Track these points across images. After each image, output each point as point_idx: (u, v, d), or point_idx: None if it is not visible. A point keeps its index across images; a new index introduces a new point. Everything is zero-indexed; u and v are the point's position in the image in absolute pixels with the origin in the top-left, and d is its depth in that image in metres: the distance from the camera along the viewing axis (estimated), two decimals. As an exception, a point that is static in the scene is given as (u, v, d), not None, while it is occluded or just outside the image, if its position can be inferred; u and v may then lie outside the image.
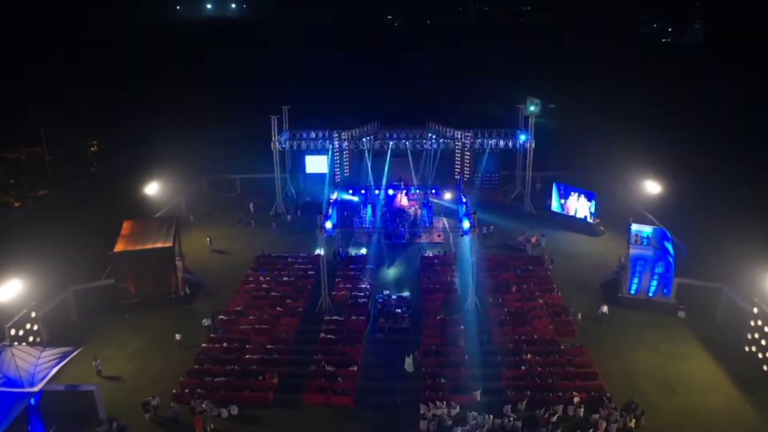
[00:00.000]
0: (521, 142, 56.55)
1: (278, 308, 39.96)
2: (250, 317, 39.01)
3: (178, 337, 36.56)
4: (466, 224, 40.26)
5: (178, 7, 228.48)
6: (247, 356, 34.75)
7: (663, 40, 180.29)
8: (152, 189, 51.98)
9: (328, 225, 41.02)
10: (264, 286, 43.39)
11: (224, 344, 36.03)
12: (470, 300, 40.25)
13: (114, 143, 73.48)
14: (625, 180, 56.07)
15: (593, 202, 52.03)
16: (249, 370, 33.45)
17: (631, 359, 35.04)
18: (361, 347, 35.74)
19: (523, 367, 33.26)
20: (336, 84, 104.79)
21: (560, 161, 63.27)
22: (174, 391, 31.74)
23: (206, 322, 38.23)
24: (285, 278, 44.41)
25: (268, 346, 35.70)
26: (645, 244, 40.46)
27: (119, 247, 40.79)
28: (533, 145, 55.85)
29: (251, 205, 58.86)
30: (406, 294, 41.85)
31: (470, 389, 31.49)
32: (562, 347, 35.30)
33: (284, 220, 56.84)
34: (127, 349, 36.64)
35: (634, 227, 42.43)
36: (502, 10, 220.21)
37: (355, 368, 33.61)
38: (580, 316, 38.91)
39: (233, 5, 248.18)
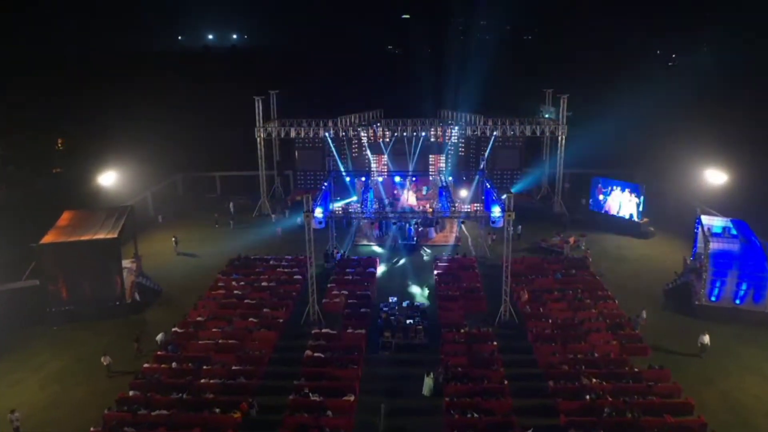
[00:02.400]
0: (547, 117, 47.87)
1: (251, 319, 30.56)
2: (214, 330, 29.62)
3: (105, 360, 26.88)
4: (496, 211, 31.12)
5: (180, 37, 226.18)
6: (204, 380, 25.24)
7: (669, 63, 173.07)
8: (108, 179, 42.80)
9: (318, 213, 31.88)
10: (236, 292, 34.07)
11: (173, 364, 26.53)
12: (504, 309, 30.91)
13: (82, 139, 64.56)
14: (677, 172, 47.30)
15: (641, 198, 42.87)
16: (203, 400, 23.93)
17: (732, 386, 25.47)
18: (359, 369, 26.26)
19: (587, 397, 23.70)
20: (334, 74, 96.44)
21: (589, 160, 54.03)
22: (92, 429, 22.19)
23: (161, 336, 28.80)
24: (264, 283, 35.13)
25: (234, 368, 26.18)
26: (726, 236, 31.41)
27: (48, 238, 31.63)
28: (565, 131, 47.02)
29: (230, 204, 49.86)
30: (419, 302, 32.46)
31: (514, 429, 22.04)
32: (636, 369, 25.80)
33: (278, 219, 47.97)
34: (43, 370, 27.13)
35: (705, 219, 33.57)
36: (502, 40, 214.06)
37: (352, 398, 24.10)
38: (645, 315, 30.38)
39: (234, 35, 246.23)
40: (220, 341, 28.56)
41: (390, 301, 31.96)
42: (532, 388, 25.24)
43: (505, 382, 24.87)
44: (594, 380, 24.80)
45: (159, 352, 27.67)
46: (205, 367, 26.26)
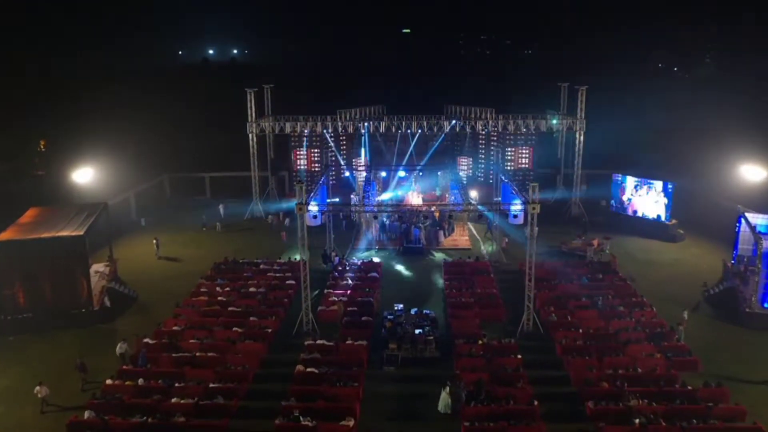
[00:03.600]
0: (554, 124, 44.03)
1: (235, 329, 26.48)
2: (191, 341, 25.53)
3: (40, 392, 21.46)
4: (516, 206, 27.20)
5: (180, 52, 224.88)
6: (174, 400, 21.13)
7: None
8: (84, 176, 38.82)
9: (314, 207, 27.99)
10: (220, 298, 30.02)
11: (140, 381, 22.42)
12: (526, 318, 26.87)
13: (65, 140, 60.64)
14: (703, 171, 43.49)
15: (670, 198, 38.91)
16: (172, 425, 19.84)
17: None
18: (359, 388, 22.15)
19: (636, 422, 19.56)
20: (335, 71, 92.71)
21: (607, 160, 49.98)
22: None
23: (121, 348, 24.67)
24: (252, 289, 31.09)
25: (211, 385, 22.08)
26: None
27: (5, 235, 27.67)
28: (584, 126, 43.20)
29: (220, 206, 45.94)
30: (429, 310, 28.35)
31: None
32: (688, 387, 21.70)
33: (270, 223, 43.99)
34: (-17, 389, 23.03)
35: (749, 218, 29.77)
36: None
37: (351, 422, 19.98)
38: (686, 316, 26.96)
39: (234, 50, 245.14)
40: (197, 354, 24.49)
41: (395, 308, 27.91)
42: (566, 410, 21.16)
43: (535, 402, 20.76)
44: (639, 402, 20.70)
45: (124, 366, 23.57)
46: (177, 384, 22.15)
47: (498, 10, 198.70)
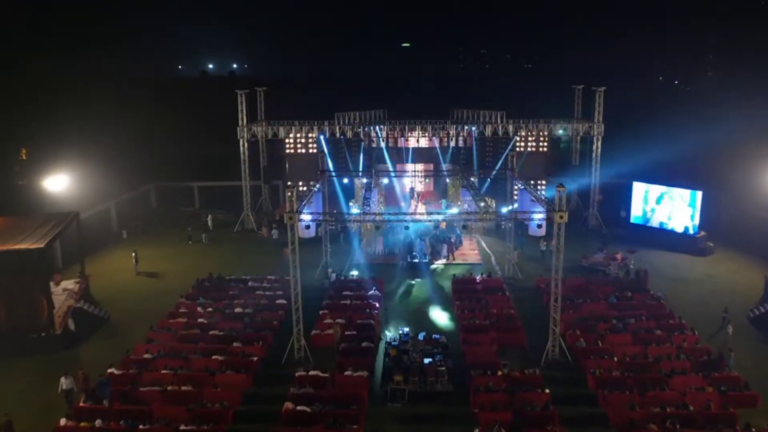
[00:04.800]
0: (561, 134, 40.77)
1: (216, 357, 22.93)
2: (164, 371, 21.96)
3: None
4: (541, 214, 23.80)
5: (180, 66, 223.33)
6: (137, 447, 17.58)
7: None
8: (58, 184, 35.30)
9: (306, 217, 24.57)
10: (201, 320, 26.47)
11: (97, 422, 18.82)
12: (552, 344, 23.35)
13: (47, 149, 57.30)
14: (730, 180, 40.17)
15: (698, 208, 35.57)
16: (131, 480, 16.26)
17: None
18: (360, 430, 18.58)
19: (699, 477, 16.03)
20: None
21: (624, 169, 46.49)
22: None
23: (65, 384, 20.97)
24: (238, 309, 27.56)
25: (182, 428, 18.50)
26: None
27: (-47, 249, 24.22)
28: (602, 131, 39.93)
29: (209, 217, 42.57)
30: (438, 335, 24.82)
31: None
32: (753, 430, 18.16)
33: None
34: None
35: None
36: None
37: (350, 476, 16.41)
38: (731, 331, 23.76)
39: (234, 65, 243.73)
40: (169, 388, 20.90)
41: (400, 332, 24.38)
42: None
43: (572, 451, 17.24)
44: (700, 448, 17.19)
45: (81, 404, 19.97)
46: (142, 426, 18.58)
47: (496, 23, 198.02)
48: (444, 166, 41.20)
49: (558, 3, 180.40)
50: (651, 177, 38.79)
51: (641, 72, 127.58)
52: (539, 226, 24.52)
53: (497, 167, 39.27)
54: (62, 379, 20.71)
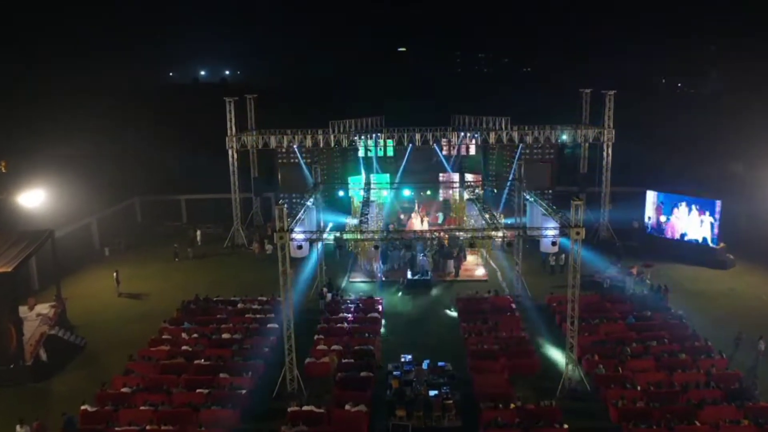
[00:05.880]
0: (564, 140, 38.77)
1: (200, 390, 20.79)
2: (143, 408, 19.83)
3: None
4: (554, 231, 21.80)
5: (171, 74, 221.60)
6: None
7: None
8: (33, 200, 33.05)
9: (299, 236, 22.52)
10: (185, 348, 24.33)
11: (62, 472, 16.71)
12: (569, 373, 21.28)
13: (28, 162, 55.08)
14: (746, 188, 38.29)
15: (716, 218, 33.61)
16: None
17: None
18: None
19: None
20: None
21: (634, 178, 44.38)
22: None
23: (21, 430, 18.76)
24: (226, 335, 25.44)
25: (158, 477, 16.39)
26: None
27: None
28: (612, 137, 37.99)
29: (198, 232, 40.48)
30: (443, 362, 22.68)
31: None
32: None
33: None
34: None
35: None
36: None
37: None
38: (763, 347, 22.03)
39: (227, 71, 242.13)
40: (147, 428, 18.77)
41: (402, 360, 22.28)
42: None
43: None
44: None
45: (46, 450, 17.86)
46: (112, 476, 16.47)
47: (494, 24, 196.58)
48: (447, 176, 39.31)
49: (558, 3, 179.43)
50: (665, 185, 36.88)
51: (644, 75, 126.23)
52: (554, 243, 22.49)
53: (510, 178, 36.98)
54: (18, 428, 18.49)
